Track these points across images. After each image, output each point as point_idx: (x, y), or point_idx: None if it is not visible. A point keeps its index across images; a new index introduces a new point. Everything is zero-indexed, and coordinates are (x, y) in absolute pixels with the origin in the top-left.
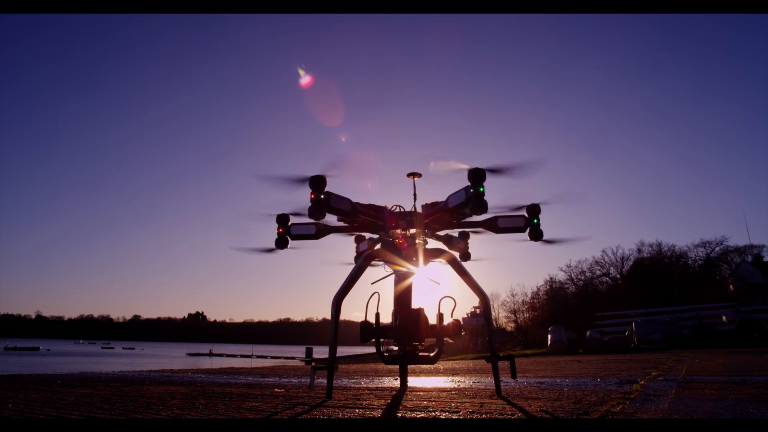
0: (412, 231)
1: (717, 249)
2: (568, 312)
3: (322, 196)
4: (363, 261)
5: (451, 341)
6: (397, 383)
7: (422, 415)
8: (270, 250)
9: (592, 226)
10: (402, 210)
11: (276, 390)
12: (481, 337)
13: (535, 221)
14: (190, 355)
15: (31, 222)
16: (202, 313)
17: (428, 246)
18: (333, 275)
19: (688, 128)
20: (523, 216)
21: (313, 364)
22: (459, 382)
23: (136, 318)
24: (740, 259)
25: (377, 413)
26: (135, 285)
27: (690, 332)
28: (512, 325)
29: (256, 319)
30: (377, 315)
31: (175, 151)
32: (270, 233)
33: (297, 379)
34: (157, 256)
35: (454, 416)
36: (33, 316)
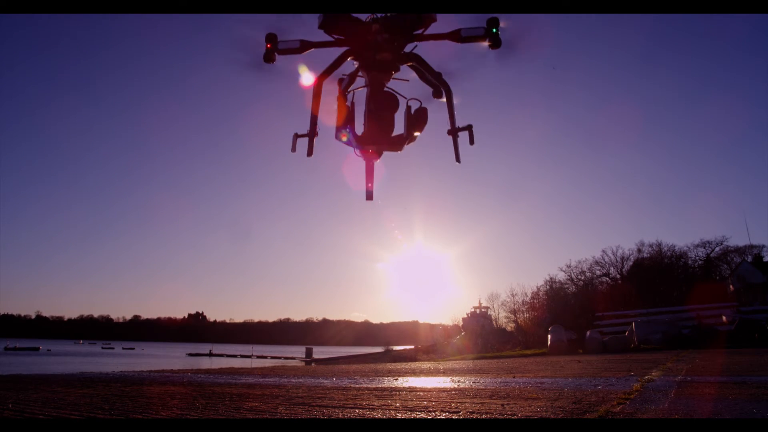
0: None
1: (717, 249)
2: (568, 312)
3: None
4: (341, 55)
5: (418, 133)
6: (397, 383)
7: (422, 415)
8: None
9: (593, 226)
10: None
11: (276, 390)
12: (481, 337)
13: (494, 30)
14: (190, 355)
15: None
16: (202, 313)
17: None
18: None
19: (688, 128)
20: (483, 27)
21: (295, 132)
22: (459, 382)
23: (136, 318)
24: (740, 259)
25: (377, 413)
26: (135, 285)
27: (690, 332)
28: (512, 325)
29: (256, 319)
30: (352, 104)
31: (176, 151)
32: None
33: (297, 379)
34: (157, 255)
35: (454, 416)
36: (33, 316)
